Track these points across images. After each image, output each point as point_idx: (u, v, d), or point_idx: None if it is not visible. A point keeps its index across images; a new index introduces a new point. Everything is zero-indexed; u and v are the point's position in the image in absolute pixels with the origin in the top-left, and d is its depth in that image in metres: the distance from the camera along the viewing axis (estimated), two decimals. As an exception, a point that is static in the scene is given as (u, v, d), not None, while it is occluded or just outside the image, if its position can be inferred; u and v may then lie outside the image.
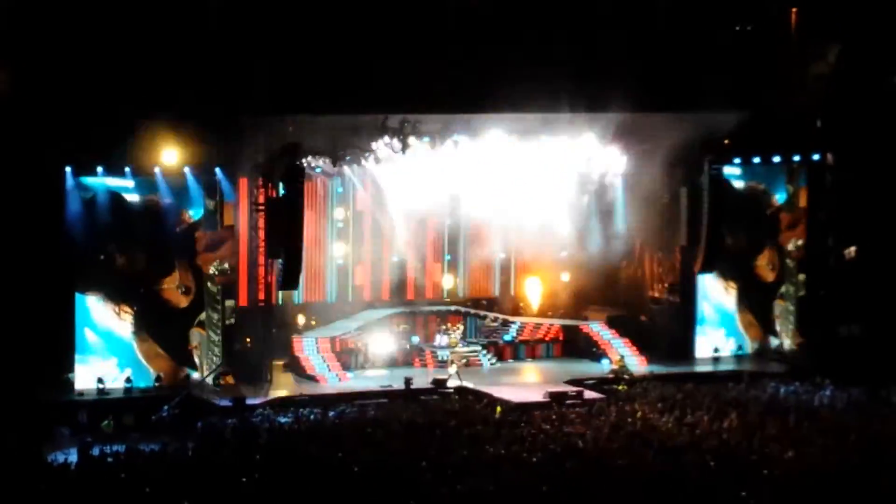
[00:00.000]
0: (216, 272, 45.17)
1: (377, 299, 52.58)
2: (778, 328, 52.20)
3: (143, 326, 44.24)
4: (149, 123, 42.73)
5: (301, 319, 50.38)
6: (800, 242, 51.96)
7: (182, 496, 28.96)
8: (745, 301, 51.76)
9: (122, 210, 44.10)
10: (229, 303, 45.52)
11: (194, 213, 45.00)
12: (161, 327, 44.55)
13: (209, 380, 44.47)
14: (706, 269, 50.19)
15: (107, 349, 43.86)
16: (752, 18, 49.75)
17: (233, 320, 45.63)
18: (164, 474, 31.35)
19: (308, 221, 47.27)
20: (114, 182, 43.79)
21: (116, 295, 43.96)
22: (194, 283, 44.95)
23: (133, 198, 44.14)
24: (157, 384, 44.01)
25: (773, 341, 52.07)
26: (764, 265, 51.99)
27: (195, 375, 44.69)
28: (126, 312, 44.07)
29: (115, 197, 43.97)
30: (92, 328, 43.83)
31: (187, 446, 35.27)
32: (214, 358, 44.94)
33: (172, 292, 44.72)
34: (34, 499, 29.46)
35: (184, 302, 44.94)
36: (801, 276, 51.84)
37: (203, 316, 45.17)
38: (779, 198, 52.05)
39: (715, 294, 51.43)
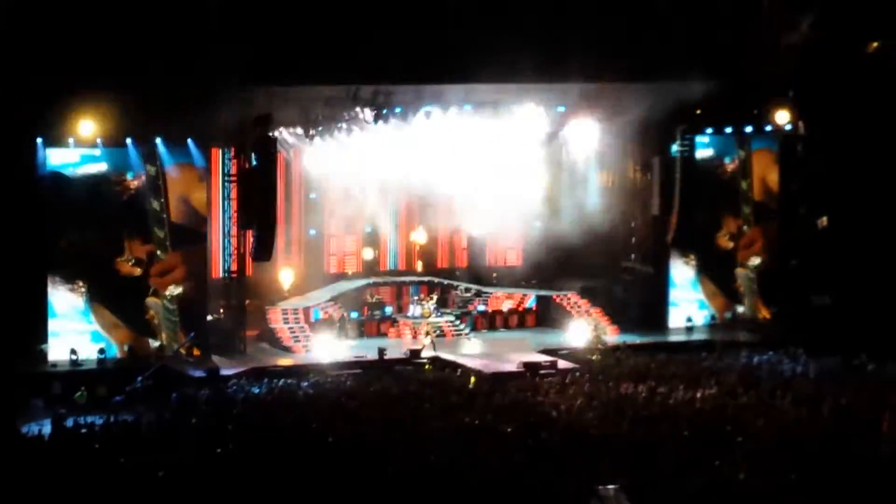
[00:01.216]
0: (170, 296, 44.75)
1: (350, 270, 52.49)
2: (741, 296, 52.32)
3: (98, 299, 43.88)
4: (118, 94, 42.37)
5: (274, 290, 50.21)
6: (758, 261, 52.09)
7: (156, 467, 28.88)
8: (705, 271, 51.77)
9: (80, 188, 43.73)
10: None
11: (136, 181, 44.38)
12: (116, 298, 44.11)
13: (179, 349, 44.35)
14: (679, 238, 50.42)
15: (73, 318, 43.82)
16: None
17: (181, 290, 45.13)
18: (138, 445, 31.29)
19: (280, 193, 47.08)
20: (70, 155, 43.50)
21: (71, 273, 43.54)
22: (145, 253, 44.50)
23: (79, 172, 43.71)
24: (129, 355, 43.85)
25: (739, 309, 52.24)
26: (723, 235, 52.04)
27: (155, 344, 44.49)
28: (80, 286, 43.63)
29: (70, 175, 43.63)
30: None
31: (162, 417, 35.22)
32: (170, 325, 44.61)
33: (123, 264, 44.28)
34: (8, 470, 29.34)
35: (136, 272, 44.44)
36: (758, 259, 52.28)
37: (157, 285, 44.95)
38: (732, 164, 51.99)
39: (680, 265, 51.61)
